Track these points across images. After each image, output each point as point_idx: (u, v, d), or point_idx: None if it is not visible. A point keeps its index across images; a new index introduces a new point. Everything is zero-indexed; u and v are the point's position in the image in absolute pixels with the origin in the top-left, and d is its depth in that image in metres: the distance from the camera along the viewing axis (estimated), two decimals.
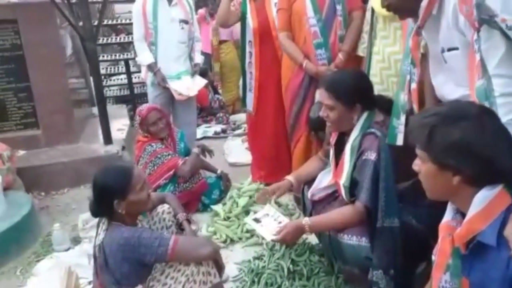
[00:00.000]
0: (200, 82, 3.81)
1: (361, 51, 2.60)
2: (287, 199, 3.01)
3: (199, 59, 3.89)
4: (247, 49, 3.22)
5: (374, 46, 2.38)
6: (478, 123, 1.09)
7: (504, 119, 1.19)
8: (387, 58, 2.30)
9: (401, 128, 1.79)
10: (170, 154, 2.99)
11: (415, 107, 1.75)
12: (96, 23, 4.04)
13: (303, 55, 2.74)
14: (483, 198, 1.08)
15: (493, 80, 1.23)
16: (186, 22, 3.65)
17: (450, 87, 1.54)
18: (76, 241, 2.80)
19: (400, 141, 1.80)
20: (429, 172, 1.17)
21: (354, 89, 1.92)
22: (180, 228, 2.14)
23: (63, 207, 3.40)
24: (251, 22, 3.13)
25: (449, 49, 1.47)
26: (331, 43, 2.68)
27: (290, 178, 2.27)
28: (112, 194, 1.75)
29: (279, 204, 2.88)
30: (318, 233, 2.16)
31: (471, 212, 1.09)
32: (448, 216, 1.20)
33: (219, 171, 3.27)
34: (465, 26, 1.32)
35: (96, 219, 1.93)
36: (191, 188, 3.03)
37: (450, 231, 1.16)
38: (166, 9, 3.57)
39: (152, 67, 3.60)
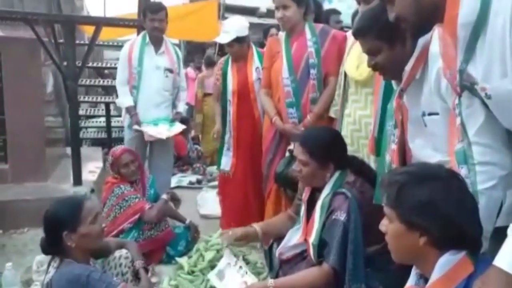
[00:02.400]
0: (175, 129, 3.70)
1: (333, 113, 2.68)
2: (257, 256, 2.92)
3: (182, 108, 3.88)
4: (228, 108, 3.29)
5: (346, 108, 2.45)
6: (446, 185, 1.10)
7: (480, 187, 1.18)
8: (358, 120, 2.35)
9: None
10: (137, 197, 2.90)
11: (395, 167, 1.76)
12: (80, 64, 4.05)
13: (275, 111, 2.84)
14: (445, 262, 1.06)
15: (472, 147, 1.23)
16: (171, 71, 3.67)
17: (428, 151, 1.55)
18: (28, 284, 2.61)
19: None
20: (396, 231, 1.15)
21: (329, 148, 1.95)
22: (136, 277, 2.05)
23: (20, 247, 3.21)
24: (231, 82, 3.23)
25: (430, 114, 1.49)
26: (303, 104, 2.76)
27: (257, 227, 2.25)
28: (60, 225, 1.72)
29: (247, 262, 2.78)
30: None
31: (433, 277, 1.07)
32: (411, 281, 1.18)
33: (187, 221, 3.18)
34: (447, 91, 1.33)
35: None
36: (156, 236, 2.92)
37: None
38: (152, 56, 3.61)
39: (130, 110, 3.58)
